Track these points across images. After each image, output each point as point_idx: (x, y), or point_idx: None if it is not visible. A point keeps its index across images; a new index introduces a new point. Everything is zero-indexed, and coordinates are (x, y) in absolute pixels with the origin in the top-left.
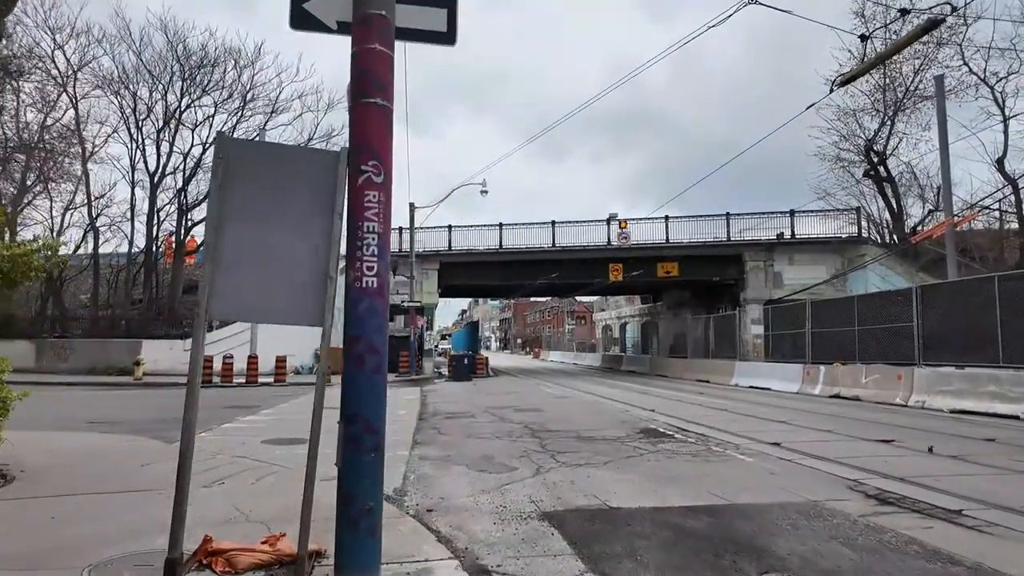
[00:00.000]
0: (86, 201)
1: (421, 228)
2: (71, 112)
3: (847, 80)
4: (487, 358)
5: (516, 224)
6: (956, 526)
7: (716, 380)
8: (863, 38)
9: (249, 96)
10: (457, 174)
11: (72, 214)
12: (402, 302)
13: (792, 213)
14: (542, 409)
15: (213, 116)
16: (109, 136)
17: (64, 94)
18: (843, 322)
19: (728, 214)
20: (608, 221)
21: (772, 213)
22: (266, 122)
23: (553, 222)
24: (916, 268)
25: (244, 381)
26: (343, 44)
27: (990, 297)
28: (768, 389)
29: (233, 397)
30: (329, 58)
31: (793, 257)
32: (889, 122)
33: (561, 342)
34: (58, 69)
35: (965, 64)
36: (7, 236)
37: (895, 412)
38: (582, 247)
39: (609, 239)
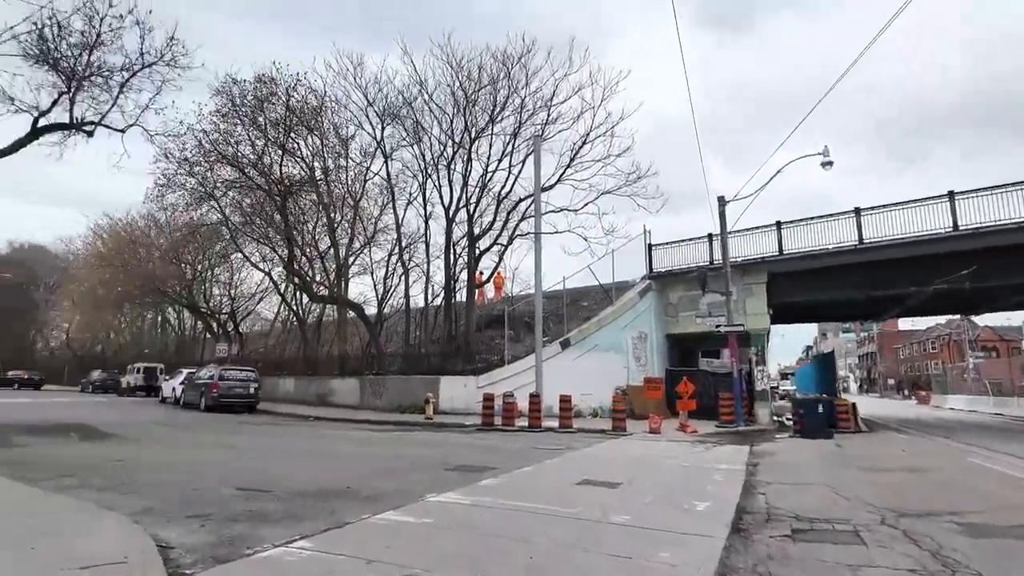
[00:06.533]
0: (398, 245)
1: (736, 232)
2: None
3: None
4: (853, 404)
5: (883, 206)
6: None
7: None
8: None
9: (528, 108)
10: (789, 200)
11: (394, 258)
12: (716, 327)
13: None
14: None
15: (492, 138)
16: (422, 185)
17: (379, 149)
18: None
19: None
20: None
21: None
22: (541, 132)
23: (951, 192)
24: None
25: (527, 424)
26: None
27: None
28: None
29: (483, 448)
30: (603, 34)
31: None
32: None
33: (961, 383)
34: (371, 124)
35: None
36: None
37: None
38: (1017, 224)
39: None
